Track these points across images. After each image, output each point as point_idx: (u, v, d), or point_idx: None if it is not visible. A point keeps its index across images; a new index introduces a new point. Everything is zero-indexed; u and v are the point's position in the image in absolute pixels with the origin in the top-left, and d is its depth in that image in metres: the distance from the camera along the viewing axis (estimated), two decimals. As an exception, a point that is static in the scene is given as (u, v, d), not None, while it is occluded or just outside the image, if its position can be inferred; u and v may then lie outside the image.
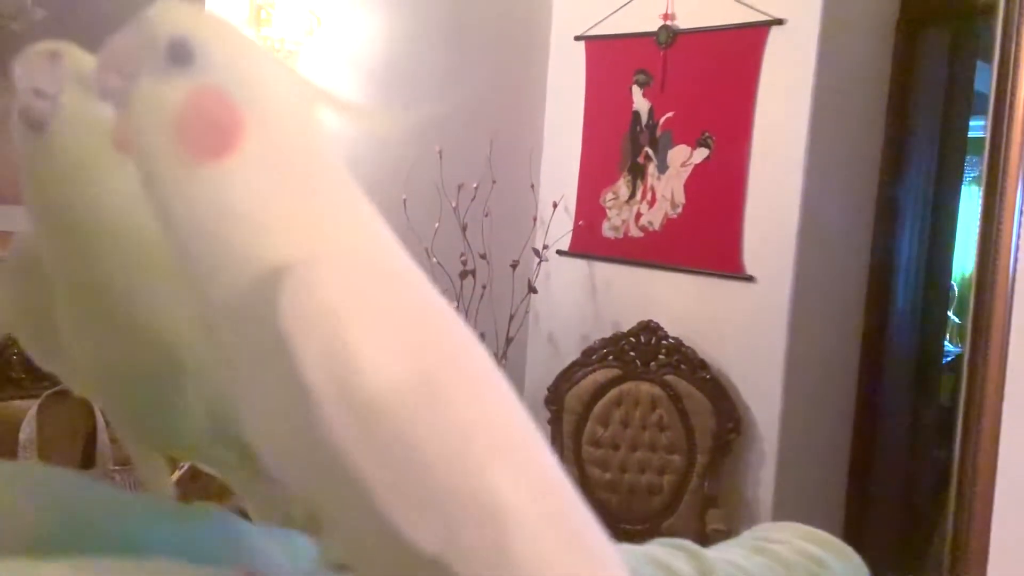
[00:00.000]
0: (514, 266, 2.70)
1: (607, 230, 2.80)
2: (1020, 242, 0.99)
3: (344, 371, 0.41)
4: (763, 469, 2.50)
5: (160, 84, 0.43)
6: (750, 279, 2.48)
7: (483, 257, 2.62)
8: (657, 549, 0.74)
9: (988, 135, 1.02)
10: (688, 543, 0.75)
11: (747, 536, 0.82)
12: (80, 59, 0.53)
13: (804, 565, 0.74)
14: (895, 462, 2.67)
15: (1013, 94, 0.98)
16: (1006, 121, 0.98)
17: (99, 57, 0.45)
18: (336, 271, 0.43)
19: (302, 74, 0.48)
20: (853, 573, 0.77)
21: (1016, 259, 0.96)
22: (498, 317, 2.69)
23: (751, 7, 2.42)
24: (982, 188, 1.00)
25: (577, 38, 2.83)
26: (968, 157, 2.90)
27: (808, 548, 0.77)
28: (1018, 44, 0.98)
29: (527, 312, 2.84)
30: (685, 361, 2.54)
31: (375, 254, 0.47)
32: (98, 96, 0.45)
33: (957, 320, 3.71)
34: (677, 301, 2.62)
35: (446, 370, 0.43)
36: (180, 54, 0.43)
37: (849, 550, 0.78)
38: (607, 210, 2.80)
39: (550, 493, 0.45)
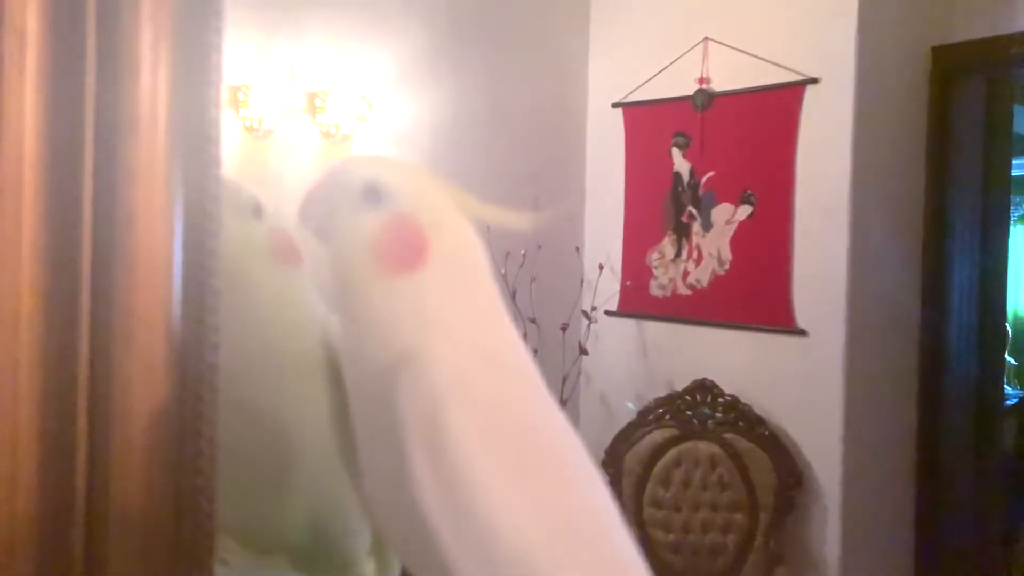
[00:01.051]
0: (564, 329, 2.74)
1: (655, 289, 2.83)
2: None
3: (437, 446, 0.47)
4: (828, 525, 2.47)
5: (358, 217, 0.54)
6: (802, 333, 2.49)
7: (533, 321, 2.67)
8: None
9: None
10: None
11: None
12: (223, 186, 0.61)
13: None
14: (961, 512, 2.61)
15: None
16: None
17: (304, 201, 0.57)
18: (452, 362, 0.50)
19: (459, 191, 0.57)
20: None
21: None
22: (550, 380, 2.71)
23: (785, 67, 2.49)
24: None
25: (614, 105, 2.92)
26: (1012, 197, 2.90)
27: None
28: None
29: (579, 374, 2.87)
30: (742, 418, 2.53)
31: (496, 354, 0.53)
32: (307, 230, 0.55)
33: (1014, 362, 3.64)
34: (730, 358, 2.63)
35: (531, 459, 0.49)
36: (371, 194, 0.55)
37: None
38: (653, 269, 2.84)
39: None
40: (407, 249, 0.54)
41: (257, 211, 0.65)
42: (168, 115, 0.47)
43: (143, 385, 0.45)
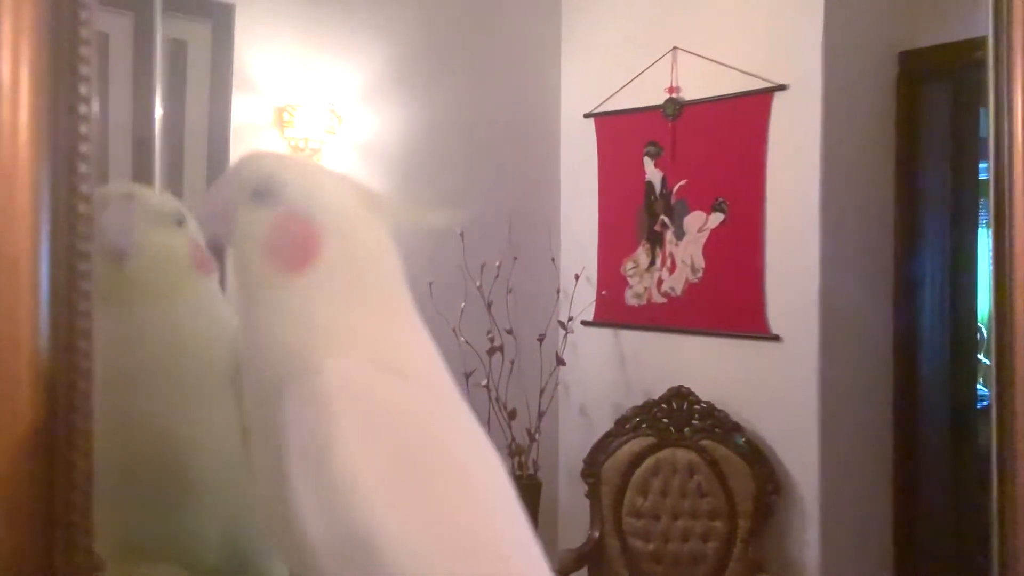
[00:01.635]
0: (541, 339, 2.73)
1: (630, 298, 2.83)
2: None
3: (318, 455, 0.46)
4: (807, 530, 2.46)
5: (250, 215, 0.53)
6: (776, 339, 2.49)
7: (510, 332, 2.66)
8: None
9: (992, 177, 1.05)
10: None
11: None
12: (148, 197, 0.61)
13: None
14: (939, 513, 2.61)
15: (1011, 137, 1.02)
16: (1007, 163, 1.02)
17: (201, 206, 0.57)
18: (341, 369, 0.49)
19: (370, 190, 0.56)
20: None
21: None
22: (528, 391, 2.71)
23: (753, 75, 2.51)
24: (991, 230, 1.03)
25: (586, 115, 2.93)
26: (983, 200, 2.93)
27: None
28: (1011, 88, 1.02)
29: (557, 385, 2.86)
30: (719, 425, 2.53)
31: (395, 361, 0.52)
32: (206, 236, 0.54)
33: (988, 363, 3.65)
34: (706, 365, 2.63)
35: (421, 471, 0.48)
36: (263, 192, 0.53)
37: None
38: (628, 278, 2.84)
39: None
40: (297, 248, 0.53)
41: (180, 221, 0.65)
42: (32, 131, 0.46)
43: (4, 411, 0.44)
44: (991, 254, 1.03)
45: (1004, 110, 1.02)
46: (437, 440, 0.51)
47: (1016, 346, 0.98)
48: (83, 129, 0.50)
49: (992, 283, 1.02)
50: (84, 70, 0.51)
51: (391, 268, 0.56)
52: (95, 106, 0.50)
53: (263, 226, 0.53)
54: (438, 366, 0.57)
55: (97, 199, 0.59)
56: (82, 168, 0.49)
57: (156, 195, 0.63)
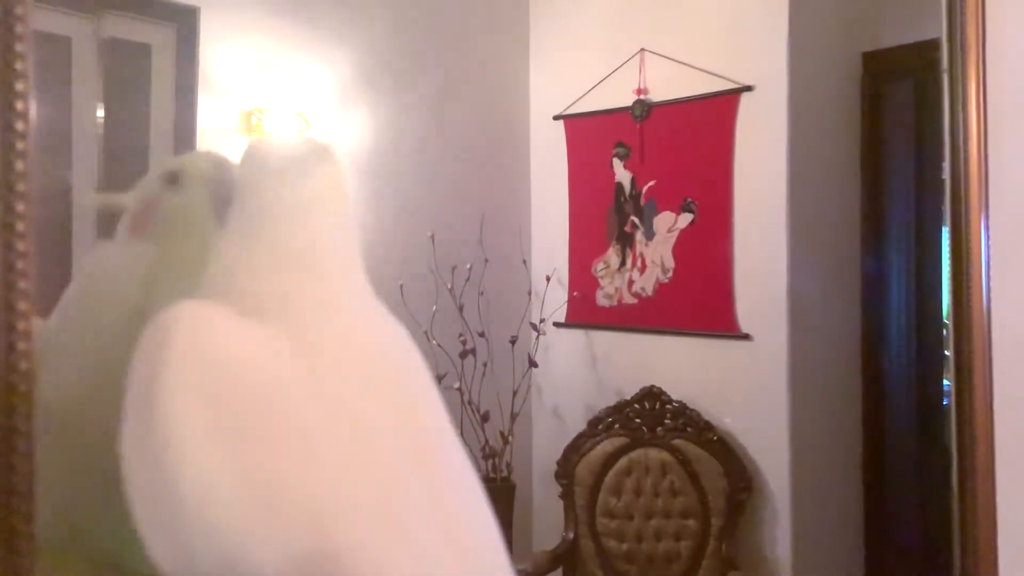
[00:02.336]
0: (513, 341, 2.73)
1: (601, 299, 2.84)
2: (991, 280, 1.04)
3: (147, 402, 0.46)
4: (779, 526, 2.48)
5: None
6: (746, 337, 2.51)
7: (482, 335, 2.66)
8: None
9: (948, 178, 1.07)
10: None
11: None
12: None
13: None
14: (909, 507, 2.65)
15: (966, 137, 1.04)
16: (962, 164, 1.04)
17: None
18: (190, 315, 0.49)
19: (293, 144, 0.61)
20: None
21: (989, 298, 1.00)
22: (501, 393, 2.71)
23: (720, 76, 2.53)
24: (948, 230, 1.05)
25: (555, 117, 2.94)
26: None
27: None
28: (965, 91, 1.04)
29: (529, 387, 2.86)
30: (691, 424, 2.55)
31: (264, 309, 0.52)
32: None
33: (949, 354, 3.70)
34: (677, 364, 2.65)
35: (256, 426, 0.47)
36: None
37: None
38: (599, 279, 2.85)
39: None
40: (221, 208, 0.61)
41: (173, 181, 0.66)
42: None
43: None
44: (948, 253, 1.05)
45: (959, 112, 1.04)
46: (275, 391, 0.49)
47: (973, 343, 1.00)
48: (19, 126, 0.49)
49: (950, 281, 1.04)
50: (19, 66, 0.50)
51: (305, 226, 0.57)
52: (32, 105, 0.49)
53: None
54: (346, 321, 0.55)
55: (207, 160, 0.69)
56: (19, 166, 0.48)
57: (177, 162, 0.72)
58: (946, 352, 3.22)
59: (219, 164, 0.67)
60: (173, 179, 0.66)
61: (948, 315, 1.10)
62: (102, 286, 0.64)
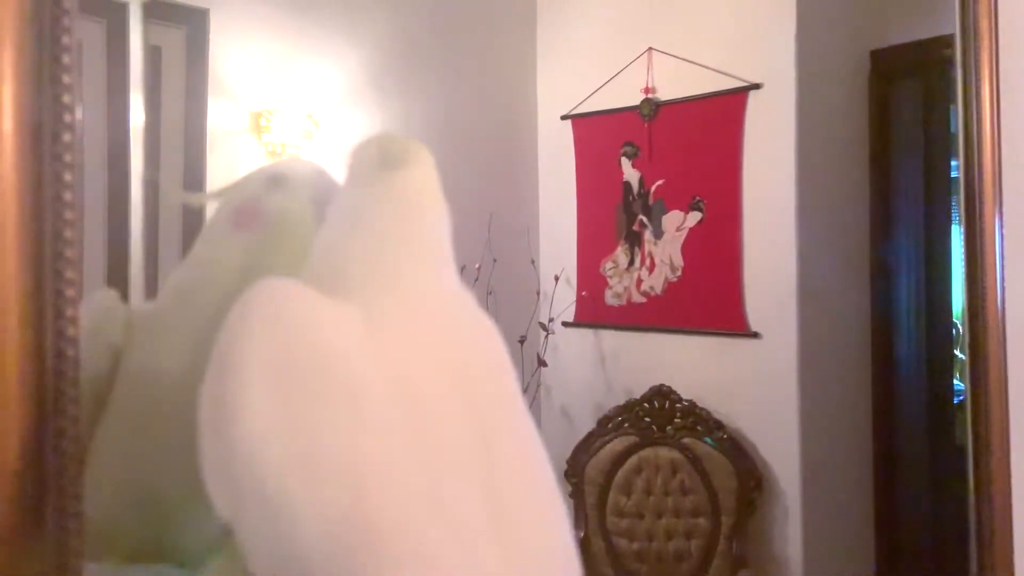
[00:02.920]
0: (522, 341, 2.73)
1: (610, 298, 2.84)
2: (1006, 278, 1.04)
3: (223, 366, 0.50)
4: (789, 525, 2.48)
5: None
6: (755, 336, 2.51)
7: (491, 336, 2.66)
8: None
9: (962, 175, 1.07)
10: None
11: None
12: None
13: None
14: (919, 507, 2.64)
15: (979, 134, 1.04)
16: (976, 161, 1.04)
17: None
18: (272, 290, 0.51)
19: (388, 140, 0.68)
20: None
21: (1003, 297, 1.00)
22: (511, 394, 2.71)
23: (728, 74, 2.53)
24: (963, 228, 1.05)
25: (563, 117, 2.94)
26: (954, 196, 2.96)
27: None
28: (978, 87, 1.04)
29: (539, 386, 2.86)
30: (701, 422, 2.55)
31: (347, 288, 0.54)
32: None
33: (963, 356, 3.69)
34: (686, 363, 2.65)
35: (319, 396, 0.49)
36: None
37: None
38: (608, 278, 2.85)
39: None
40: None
41: (277, 182, 0.73)
42: (16, 138, 0.46)
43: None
44: (963, 251, 1.05)
45: (972, 108, 1.04)
46: (337, 361, 0.52)
47: (989, 342, 0.99)
48: (67, 137, 0.51)
49: (965, 280, 1.04)
50: (67, 78, 0.51)
51: (393, 213, 0.62)
52: (79, 114, 0.51)
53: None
54: (426, 306, 0.59)
55: (308, 166, 0.75)
56: (67, 177, 0.50)
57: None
58: (958, 352, 3.22)
59: (319, 172, 0.74)
60: (278, 181, 0.71)
61: (962, 315, 1.10)
62: (209, 271, 0.68)
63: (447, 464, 0.53)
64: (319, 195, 0.69)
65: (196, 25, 2.31)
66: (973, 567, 1.02)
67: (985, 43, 0.99)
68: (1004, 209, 1.02)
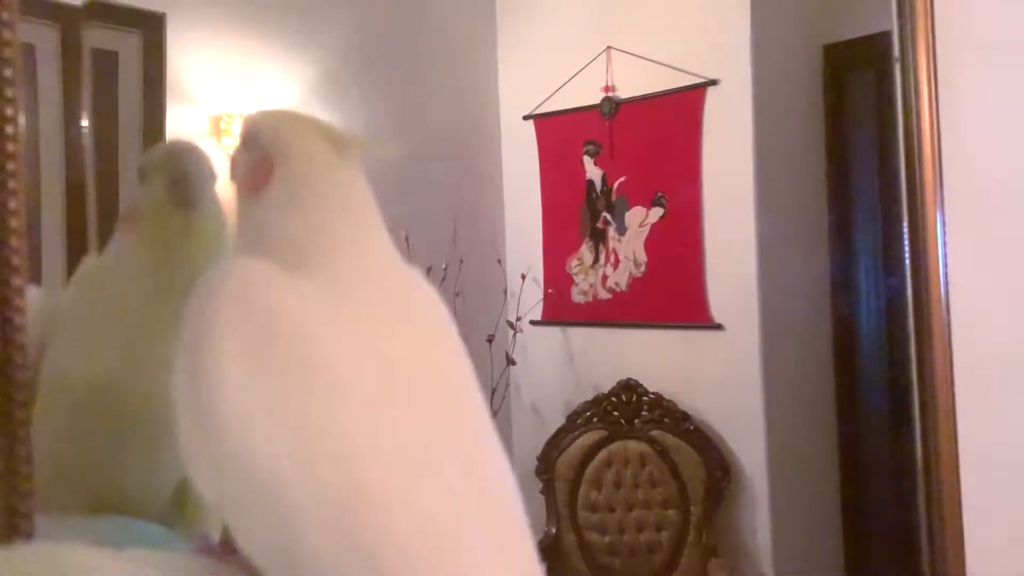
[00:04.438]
0: (490, 340, 2.75)
1: (576, 295, 2.87)
2: (949, 270, 1.07)
3: (196, 344, 0.51)
4: (757, 513, 2.53)
5: (240, 156, 0.65)
6: (719, 327, 2.55)
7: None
8: None
9: (903, 169, 1.10)
10: None
11: None
12: (207, 155, 0.73)
13: None
14: (884, 489, 2.70)
15: (919, 127, 1.07)
16: (917, 154, 1.07)
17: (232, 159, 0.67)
18: (246, 267, 0.53)
19: (328, 126, 0.66)
20: None
21: (947, 288, 1.03)
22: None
23: (685, 71, 2.56)
24: (905, 221, 1.08)
25: (525, 117, 2.96)
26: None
27: None
28: (917, 82, 1.07)
29: (508, 384, 2.88)
30: (668, 415, 2.58)
31: (308, 265, 0.55)
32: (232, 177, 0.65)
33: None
34: (652, 357, 2.68)
35: (294, 373, 0.50)
36: (246, 140, 0.65)
37: None
38: (574, 276, 2.87)
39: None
40: (256, 174, 0.61)
41: (214, 177, 0.73)
42: None
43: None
44: (907, 244, 1.08)
45: (912, 102, 1.07)
46: (312, 336, 0.53)
47: (933, 337, 1.02)
48: (10, 148, 0.52)
49: (909, 273, 1.07)
50: (9, 92, 0.52)
51: (344, 191, 0.63)
52: (22, 120, 0.52)
53: (244, 164, 0.63)
54: (382, 276, 0.60)
55: (163, 150, 0.70)
56: (11, 184, 0.50)
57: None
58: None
59: (171, 154, 0.71)
60: (140, 175, 0.70)
61: (909, 309, 1.13)
62: (102, 275, 0.69)
63: (428, 433, 0.54)
64: (176, 177, 0.69)
65: (152, 29, 2.29)
66: (924, 544, 1.05)
67: (922, 38, 1.02)
68: (945, 202, 1.06)
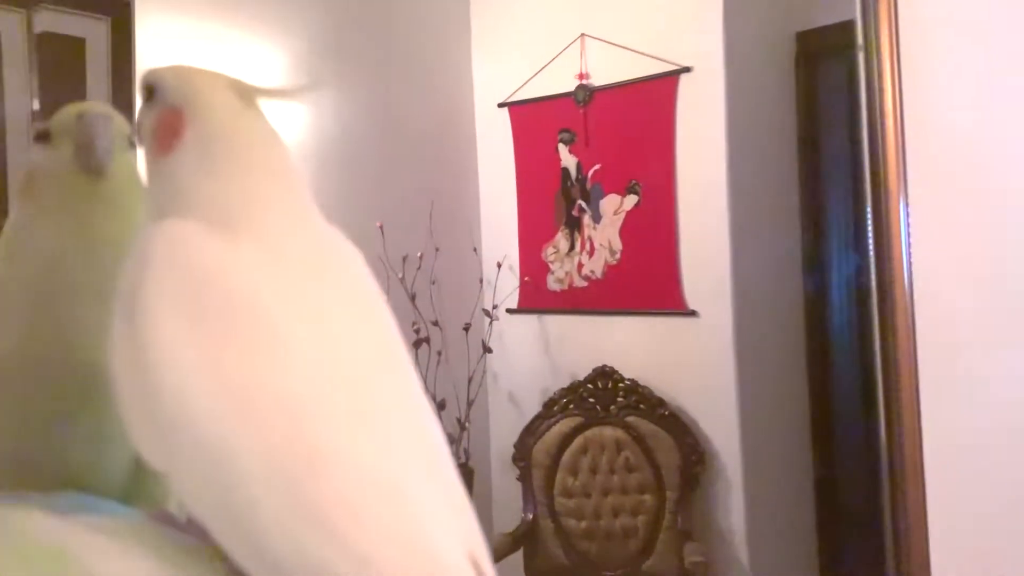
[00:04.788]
0: (467, 329, 2.75)
1: (552, 283, 2.87)
2: (912, 255, 1.08)
3: (131, 306, 0.50)
4: (732, 497, 2.55)
5: (145, 114, 0.61)
6: (693, 314, 2.57)
7: (435, 324, 2.67)
8: None
9: (866, 156, 1.12)
10: None
11: None
12: (118, 117, 0.68)
13: None
14: (857, 473, 2.74)
15: (882, 114, 1.09)
16: (880, 141, 1.08)
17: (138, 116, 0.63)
18: (176, 229, 0.52)
19: (231, 76, 0.62)
20: None
21: (910, 273, 1.05)
22: (457, 381, 2.73)
23: (658, 58, 2.56)
24: (869, 207, 1.10)
25: (500, 105, 2.95)
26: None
27: None
28: (880, 70, 1.09)
29: (484, 373, 2.88)
30: (643, 401, 2.60)
31: (234, 224, 0.54)
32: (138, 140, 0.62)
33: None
34: (628, 343, 2.69)
35: (233, 330, 0.50)
36: (151, 96, 0.61)
37: None
38: (550, 264, 2.88)
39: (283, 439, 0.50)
40: (165, 133, 0.58)
41: (133, 144, 0.67)
42: None
43: None
44: (871, 230, 1.10)
45: (875, 90, 1.08)
46: (249, 296, 0.52)
47: (897, 319, 1.04)
48: None
49: (873, 260, 1.08)
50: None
51: (262, 145, 0.60)
52: None
53: (150, 123, 0.60)
54: (312, 233, 0.59)
55: (71, 114, 0.66)
56: None
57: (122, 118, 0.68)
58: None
59: (79, 117, 0.66)
60: (43, 137, 0.66)
61: (873, 295, 1.15)
62: (13, 248, 0.66)
63: (367, 388, 0.54)
64: (85, 140, 0.65)
65: (120, 16, 2.26)
66: (887, 523, 1.07)
67: (885, 26, 1.03)
68: (909, 188, 1.07)
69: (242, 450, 0.48)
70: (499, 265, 2.88)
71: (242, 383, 0.49)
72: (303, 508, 0.48)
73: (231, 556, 0.51)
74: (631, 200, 2.67)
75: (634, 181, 2.66)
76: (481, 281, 2.91)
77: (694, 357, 2.58)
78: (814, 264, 2.73)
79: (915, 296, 1.07)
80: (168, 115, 0.59)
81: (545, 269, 2.88)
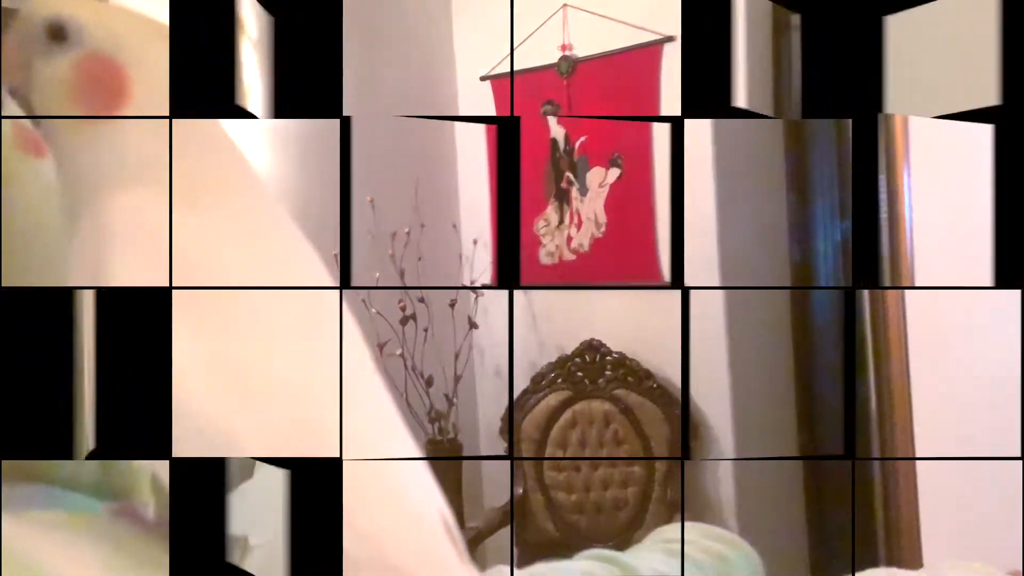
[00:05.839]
0: (452, 304, 2.74)
1: (543, 257, 2.86)
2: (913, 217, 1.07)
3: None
4: (721, 467, 2.56)
5: (49, 64, 0.49)
6: (678, 286, 2.55)
7: (421, 301, 2.66)
8: (588, 563, 0.78)
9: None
10: (615, 554, 0.79)
11: (656, 539, 0.87)
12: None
13: (712, 564, 0.79)
14: (840, 442, 2.76)
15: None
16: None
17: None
18: (134, 201, 0.49)
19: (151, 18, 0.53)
20: (752, 566, 0.83)
21: (912, 246, 1.04)
22: (444, 358, 2.72)
23: (641, 28, 2.54)
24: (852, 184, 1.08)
25: (483, 78, 2.92)
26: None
27: (713, 546, 0.82)
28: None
29: (471, 348, 2.87)
30: (631, 373, 2.60)
31: (193, 193, 0.51)
32: (12, 99, 0.51)
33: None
34: (615, 317, 2.69)
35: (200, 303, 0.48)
36: (58, 33, 0.49)
37: (747, 546, 0.84)
38: (541, 238, 2.86)
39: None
40: (105, 91, 0.50)
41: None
42: None
43: None
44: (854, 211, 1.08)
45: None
46: (224, 278, 0.50)
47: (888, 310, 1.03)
48: None
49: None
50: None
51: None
52: None
53: (66, 73, 0.49)
54: (263, 208, 0.57)
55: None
56: None
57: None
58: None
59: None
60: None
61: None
62: None
63: (338, 360, 0.53)
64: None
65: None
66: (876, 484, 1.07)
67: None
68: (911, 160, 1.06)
69: (240, 428, 0.47)
70: (475, 242, 2.85)
71: (234, 367, 0.48)
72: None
73: None
74: (614, 173, 2.65)
75: (617, 153, 2.64)
76: (459, 256, 2.89)
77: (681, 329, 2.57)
78: (801, 234, 2.72)
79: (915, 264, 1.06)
80: (103, 70, 0.49)
81: (537, 243, 2.86)
